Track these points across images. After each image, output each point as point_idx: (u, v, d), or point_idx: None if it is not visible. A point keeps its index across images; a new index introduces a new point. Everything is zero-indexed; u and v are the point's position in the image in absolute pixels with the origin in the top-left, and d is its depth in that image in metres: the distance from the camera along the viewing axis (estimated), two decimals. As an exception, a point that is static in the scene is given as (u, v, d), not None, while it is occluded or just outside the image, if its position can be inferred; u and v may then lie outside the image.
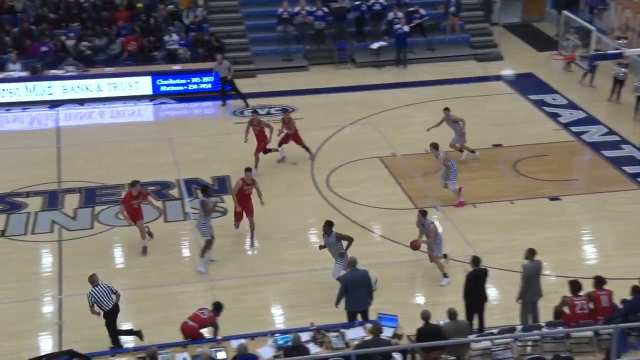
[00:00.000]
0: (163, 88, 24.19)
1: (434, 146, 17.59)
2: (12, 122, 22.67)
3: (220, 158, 19.57)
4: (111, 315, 12.78)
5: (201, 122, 22.88)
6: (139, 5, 26.77)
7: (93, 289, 12.67)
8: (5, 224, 16.80)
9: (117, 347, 12.62)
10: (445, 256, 15.12)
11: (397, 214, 17.32)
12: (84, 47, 24.95)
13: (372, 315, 12.61)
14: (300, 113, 22.24)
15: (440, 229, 15.27)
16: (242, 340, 11.68)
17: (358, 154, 20.00)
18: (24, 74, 23.57)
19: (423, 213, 14.84)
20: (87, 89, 23.64)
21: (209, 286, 14.76)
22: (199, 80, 24.38)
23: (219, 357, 11.49)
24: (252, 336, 12.12)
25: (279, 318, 14.07)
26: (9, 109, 22.98)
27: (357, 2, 27.35)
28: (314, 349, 11.72)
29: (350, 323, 12.50)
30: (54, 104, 23.36)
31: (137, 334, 13.07)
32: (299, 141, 19.50)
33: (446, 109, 19.36)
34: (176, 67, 24.67)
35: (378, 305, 13.25)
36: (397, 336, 12.05)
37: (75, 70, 23.86)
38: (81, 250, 16.02)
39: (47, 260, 15.79)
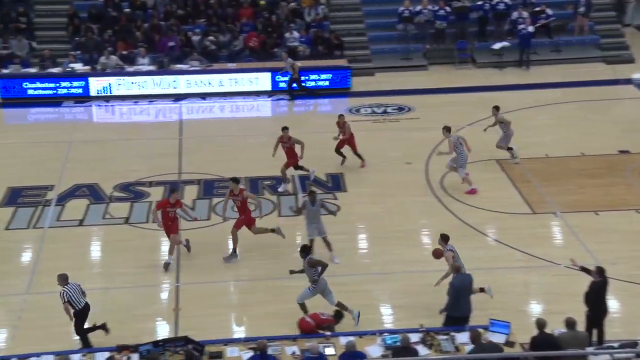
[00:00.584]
0: (282, 84, 24.55)
1: (447, 129, 17.73)
2: (139, 114, 23.60)
3: (335, 155, 19.65)
4: (82, 315, 12.75)
5: (318, 119, 23.06)
6: (262, 2, 27.29)
7: (66, 287, 12.59)
8: (129, 211, 17.49)
9: (88, 347, 12.52)
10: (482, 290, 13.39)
11: (512, 218, 16.89)
12: (209, 42, 25.67)
13: (484, 321, 12.32)
14: (417, 113, 22.05)
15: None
16: (351, 338, 11.68)
17: (475, 156, 19.61)
18: (151, 67, 24.50)
19: (444, 238, 13.64)
20: (209, 83, 24.31)
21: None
22: (317, 78, 24.60)
23: (327, 353, 11.55)
24: (360, 334, 12.11)
25: (387, 318, 13.99)
26: (137, 102, 23.92)
27: (480, 2, 26.85)
28: (422, 350, 11.59)
29: (461, 327, 12.28)
30: (178, 97, 24.15)
31: (102, 327, 12.93)
32: (353, 147, 18.97)
33: (495, 107, 18.94)
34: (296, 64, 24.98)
35: (490, 310, 12.96)
36: (509, 343, 11.75)
37: (199, 65, 24.59)
38: (198, 240, 16.45)
39: (166, 248, 16.27)
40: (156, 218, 15.45)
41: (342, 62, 25.24)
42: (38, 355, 11.65)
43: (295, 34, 25.94)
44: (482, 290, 13.39)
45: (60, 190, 18.16)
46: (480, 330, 11.77)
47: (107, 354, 11.49)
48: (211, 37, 25.88)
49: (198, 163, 19.79)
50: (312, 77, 24.57)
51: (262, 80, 24.48)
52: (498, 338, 11.73)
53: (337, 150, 19.19)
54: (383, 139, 20.93)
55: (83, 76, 23.82)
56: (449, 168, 17.98)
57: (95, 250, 16.44)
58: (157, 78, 24.16)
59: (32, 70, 23.95)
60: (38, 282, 14.91)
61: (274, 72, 24.49)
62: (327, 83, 24.57)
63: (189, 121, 22.86)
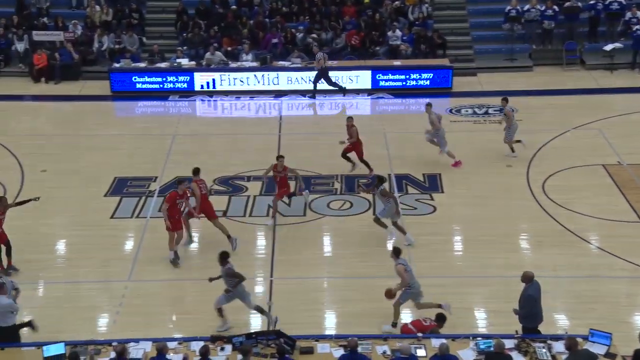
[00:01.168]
0: (382, 83, 24.45)
1: (429, 104, 18.86)
2: (241, 109, 23.99)
3: (435, 157, 19.31)
4: None
5: (417, 119, 22.81)
6: (367, 0, 27.26)
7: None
8: (227, 205, 17.80)
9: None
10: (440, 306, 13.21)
11: (617, 226, 16.24)
12: (311, 40, 25.85)
13: (584, 331, 11.88)
14: (521, 114, 21.49)
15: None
16: (444, 340, 11.50)
17: (580, 160, 18.98)
18: (254, 64, 24.86)
19: (396, 251, 13.23)
20: (309, 80, 24.44)
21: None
22: (418, 77, 24.36)
23: (418, 354, 11.41)
24: (453, 337, 11.91)
25: (481, 322, 13.70)
26: (239, 97, 24.32)
27: (593, 1, 25.95)
28: (517, 357, 11.29)
29: (559, 335, 11.88)
30: (278, 94, 24.42)
31: (29, 324, 12.71)
32: (358, 153, 18.35)
33: (504, 99, 19.23)
34: (397, 62, 24.85)
35: (590, 320, 12.50)
36: (610, 355, 11.29)
37: (300, 63, 24.77)
38: (294, 236, 16.58)
39: (262, 242, 16.49)
40: (165, 214, 15.12)
41: (443, 62, 24.91)
42: (137, 341, 11.99)
43: (398, 32, 25.78)
44: (439, 306, 13.09)
45: (163, 182, 18.67)
46: (579, 339, 11.36)
47: (201, 344, 11.71)
48: (313, 35, 26.05)
49: (295, 159, 19.90)
50: (413, 76, 24.34)
51: (362, 78, 24.44)
52: (598, 349, 11.29)
53: (344, 154, 18.59)
54: (483, 140, 20.52)
55: (188, 71, 24.41)
56: (428, 140, 18.85)
57: (193, 242, 16.76)
58: (259, 74, 24.50)
59: (142, 64, 24.73)
60: (140, 270, 15.36)
61: (375, 70, 24.41)
62: (427, 82, 24.30)
63: (289, 117, 23.08)
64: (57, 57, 24.82)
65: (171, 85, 24.47)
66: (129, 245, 16.36)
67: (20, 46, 25.17)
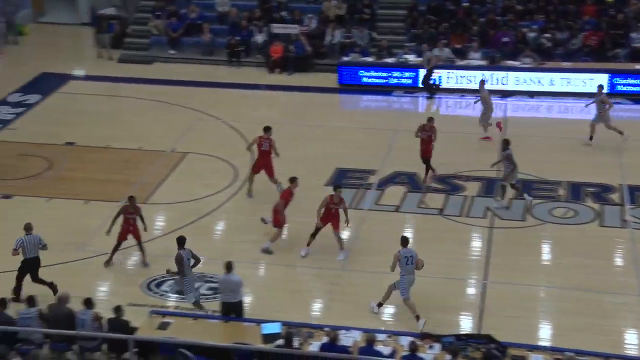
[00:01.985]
0: (620, 87, 23.01)
1: (482, 81, 20.52)
2: (464, 108, 23.63)
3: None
4: (27, 265, 13.73)
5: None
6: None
7: (25, 236, 13.73)
8: (443, 203, 17.64)
9: (16, 298, 13.52)
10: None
11: None
12: (545, 40, 24.88)
13: None
14: None
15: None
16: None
17: None
18: (482, 62, 24.39)
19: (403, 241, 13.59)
20: (539, 82, 23.56)
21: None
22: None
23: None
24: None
25: None
26: (463, 95, 23.98)
27: None
28: None
29: None
30: (505, 94, 23.76)
31: (51, 285, 13.75)
32: (428, 151, 18.04)
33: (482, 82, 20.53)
34: (638, 66, 23.25)
35: None
36: None
37: (531, 63, 23.94)
38: (511, 240, 16.10)
39: (477, 244, 16.17)
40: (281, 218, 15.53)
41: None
42: (348, 329, 12.22)
43: (642, 34, 24.14)
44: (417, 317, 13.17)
45: (382, 176, 18.86)
46: None
47: (409, 339, 11.70)
48: (547, 34, 25.04)
49: (519, 163, 19.28)
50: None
51: (598, 82, 23.11)
52: None
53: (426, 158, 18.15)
54: None
55: (414, 67, 24.45)
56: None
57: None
58: (487, 73, 23.99)
59: (369, 59, 25.16)
60: (353, 260, 15.58)
61: (613, 74, 23.01)
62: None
63: (513, 119, 22.37)
64: (291, 49, 25.93)
65: (396, 81, 24.66)
66: (344, 234, 16.62)
67: (259, 38, 26.58)
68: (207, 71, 25.62)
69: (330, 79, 25.03)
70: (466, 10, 26.58)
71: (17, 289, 13.97)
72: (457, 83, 24.23)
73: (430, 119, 18.28)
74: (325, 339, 11.67)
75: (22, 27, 28.74)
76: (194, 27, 27.13)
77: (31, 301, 12.54)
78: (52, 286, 14.04)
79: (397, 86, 24.61)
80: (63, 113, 22.67)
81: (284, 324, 12.32)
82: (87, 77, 25.75)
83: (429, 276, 14.70)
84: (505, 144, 16.91)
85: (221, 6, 27.73)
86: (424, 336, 11.87)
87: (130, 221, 15.04)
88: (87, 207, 17.38)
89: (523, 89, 23.76)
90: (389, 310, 14.21)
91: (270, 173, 17.55)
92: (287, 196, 15.92)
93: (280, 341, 11.66)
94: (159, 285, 14.79)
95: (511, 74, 23.86)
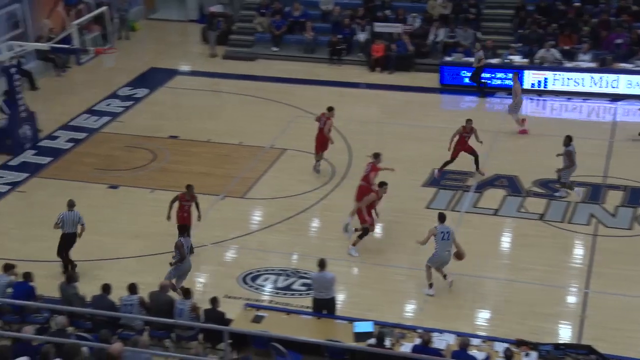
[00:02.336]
0: None
1: (516, 73, 21.17)
2: (571, 111, 22.90)
3: None
4: (64, 239, 14.76)
5: None
6: None
7: (67, 212, 14.74)
8: (545, 208, 17.13)
9: (72, 267, 14.72)
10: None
11: None
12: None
13: None
14: None
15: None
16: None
17: None
18: (592, 64, 23.56)
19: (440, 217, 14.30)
20: (653, 85, 22.58)
21: None
22: None
23: None
24: None
25: None
26: (570, 98, 23.23)
27: None
28: None
29: None
30: (615, 97, 22.88)
31: (67, 268, 14.65)
32: (466, 149, 18.27)
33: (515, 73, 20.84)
34: None
35: None
36: None
37: (644, 66, 22.99)
38: (615, 249, 15.49)
39: (579, 252, 15.65)
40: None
41: None
42: (441, 331, 12.04)
43: None
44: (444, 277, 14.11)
45: (481, 178, 18.48)
46: None
47: (505, 345, 11.41)
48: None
49: (627, 168, 18.54)
50: None
51: None
52: None
53: (472, 152, 18.30)
54: None
55: (519, 69, 23.82)
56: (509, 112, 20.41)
57: (505, 242, 16.45)
58: (596, 76, 23.15)
59: (472, 59, 24.70)
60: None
61: None
62: None
63: (624, 124, 21.51)
64: (393, 48, 25.77)
65: (499, 82, 24.10)
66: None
67: (361, 36, 26.55)
68: (308, 69, 25.80)
69: (431, 79, 24.72)
70: (578, 11, 25.71)
71: (65, 263, 14.97)
72: (563, 85, 23.48)
73: (469, 121, 18.36)
74: (417, 341, 11.52)
75: (134, 23, 29.72)
76: (297, 25, 27.39)
77: (133, 289, 12.93)
78: (68, 269, 14.73)
79: (500, 87, 24.06)
80: (168, 107, 23.31)
81: (376, 323, 12.24)
82: (192, 73, 26.36)
83: (528, 282, 14.37)
84: (568, 139, 17.11)
85: (325, 4, 27.86)
86: (520, 343, 11.55)
87: (185, 207, 15.44)
88: (188, 199, 17.81)
89: (636, 93, 22.79)
90: (484, 315, 13.95)
91: (317, 149, 18.61)
92: (372, 195, 15.80)
93: (372, 340, 11.59)
94: (254, 279, 14.99)
95: (622, 76, 22.94)
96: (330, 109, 18.68)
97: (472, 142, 18.42)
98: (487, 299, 14.47)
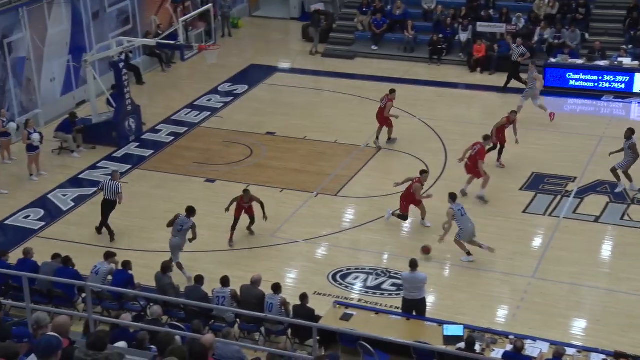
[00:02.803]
0: None
1: (533, 62, 21.45)
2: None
3: None
4: (106, 205, 16.15)
5: None
6: None
7: (109, 180, 16.26)
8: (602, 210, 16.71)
9: (110, 231, 16.19)
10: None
11: None
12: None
13: None
14: None
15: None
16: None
17: None
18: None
19: (452, 196, 14.89)
20: None
21: None
22: None
23: None
24: None
25: None
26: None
27: None
28: None
29: None
30: None
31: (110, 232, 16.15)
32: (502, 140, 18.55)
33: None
34: None
35: None
36: None
37: None
38: None
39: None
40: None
41: None
42: (534, 339, 11.70)
43: None
44: (480, 246, 14.70)
45: (582, 184, 17.88)
46: None
47: (602, 357, 10.98)
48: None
49: None
50: None
51: None
52: None
53: (502, 142, 18.58)
54: None
55: (629, 71, 22.92)
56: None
57: (606, 250, 15.85)
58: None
59: (579, 61, 23.91)
60: (544, 268, 14.99)
61: None
62: None
63: None
64: (495, 49, 25.23)
65: (607, 85, 23.24)
66: (537, 242, 16.04)
67: (463, 36, 26.10)
68: (406, 68, 25.58)
69: (533, 81, 24.02)
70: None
71: (102, 225, 16.33)
72: (675, 89, 22.45)
73: (513, 112, 18.99)
74: (509, 347, 11.23)
75: (237, 20, 30.24)
76: (397, 23, 27.19)
77: (225, 282, 13.13)
78: (111, 234, 16.25)
79: (608, 90, 23.20)
80: (266, 104, 23.58)
81: (467, 327, 12.00)
82: (292, 70, 26.60)
83: (630, 293, 13.83)
84: (630, 132, 17.13)
85: (427, 3, 27.56)
86: (618, 355, 11.07)
87: (243, 206, 15.91)
88: (282, 196, 17.94)
89: None
90: (580, 324, 13.48)
91: (380, 126, 19.78)
92: (416, 185, 16.20)
93: (462, 344, 11.36)
94: (344, 277, 14.97)
95: None
96: (392, 91, 19.75)
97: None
98: (584, 308, 13.97)
